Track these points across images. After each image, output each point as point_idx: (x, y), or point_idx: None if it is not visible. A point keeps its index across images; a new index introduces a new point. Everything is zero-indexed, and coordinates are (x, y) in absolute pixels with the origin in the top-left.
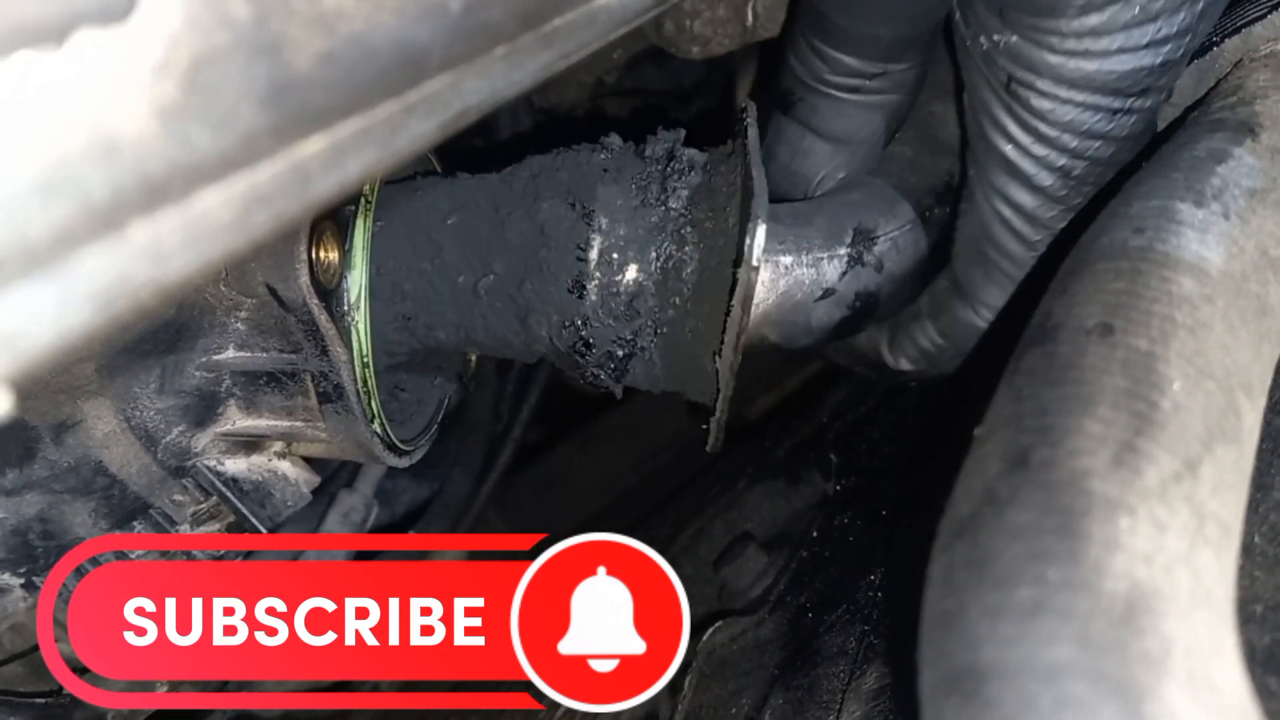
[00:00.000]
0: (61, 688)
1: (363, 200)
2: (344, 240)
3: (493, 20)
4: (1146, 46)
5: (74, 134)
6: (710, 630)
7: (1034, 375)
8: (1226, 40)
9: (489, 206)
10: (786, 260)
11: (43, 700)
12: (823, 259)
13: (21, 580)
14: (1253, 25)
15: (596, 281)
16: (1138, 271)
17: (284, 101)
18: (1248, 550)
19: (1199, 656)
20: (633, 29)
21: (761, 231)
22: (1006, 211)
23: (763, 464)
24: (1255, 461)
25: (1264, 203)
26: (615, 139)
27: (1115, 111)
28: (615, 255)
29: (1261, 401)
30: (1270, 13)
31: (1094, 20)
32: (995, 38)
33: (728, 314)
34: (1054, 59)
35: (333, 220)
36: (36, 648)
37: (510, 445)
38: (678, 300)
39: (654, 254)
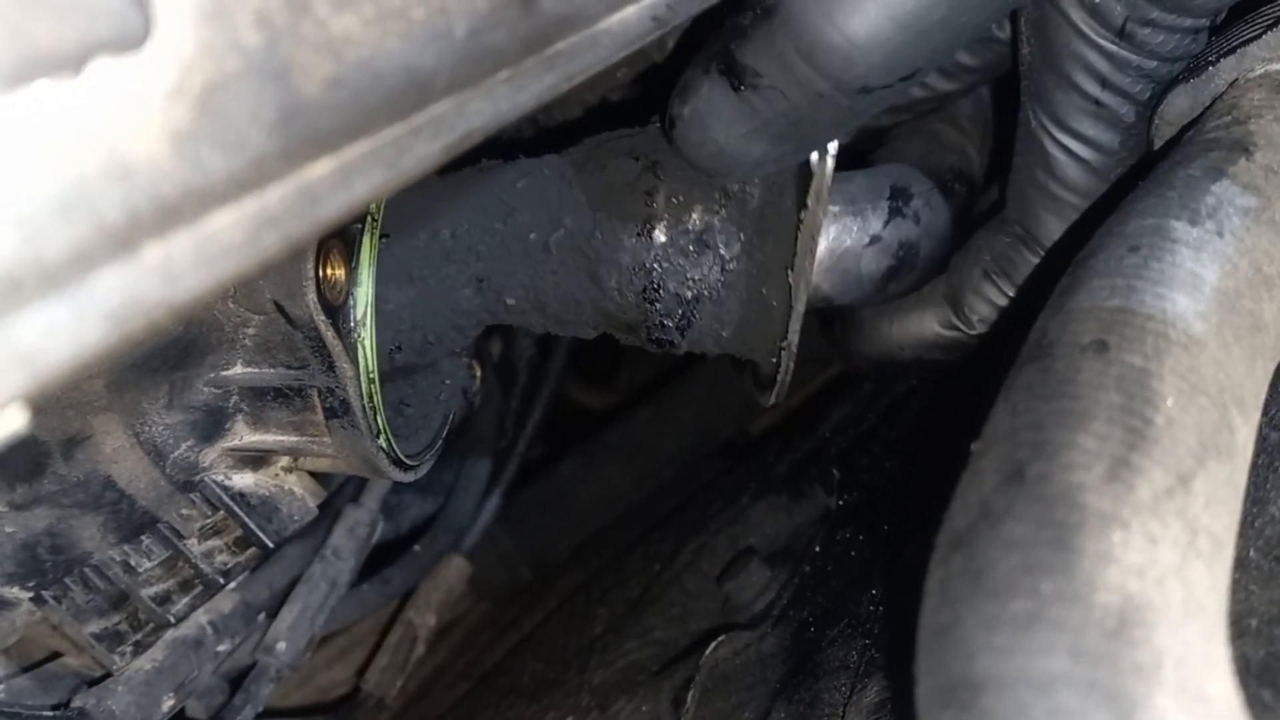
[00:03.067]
0: (69, 700)
1: (369, 219)
2: (350, 258)
3: (497, 44)
4: None
5: (90, 157)
6: (713, 644)
7: (1030, 391)
8: (1222, 60)
9: (555, 173)
10: (835, 207)
11: (50, 713)
12: (866, 208)
13: (30, 594)
14: (1248, 45)
15: (665, 222)
16: (1132, 289)
17: (293, 125)
18: (1242, 564)
19: (1190, 667)
20: (635, 50)
21: (833, 148)
22: (1077, 147)
23: (765, 479)
24: (1250, 476)
25: (1258, 221)
26: None
27: (1197, 32)
28: (680, 197)
29: (1255, 417)
30: (1265, 32)
31: None
32: None
33: (796, 239)
34: None
35: (339, 238)
36: (44, 661)
37: (515, 461)
38: (743, 236)
39: (717, 194)
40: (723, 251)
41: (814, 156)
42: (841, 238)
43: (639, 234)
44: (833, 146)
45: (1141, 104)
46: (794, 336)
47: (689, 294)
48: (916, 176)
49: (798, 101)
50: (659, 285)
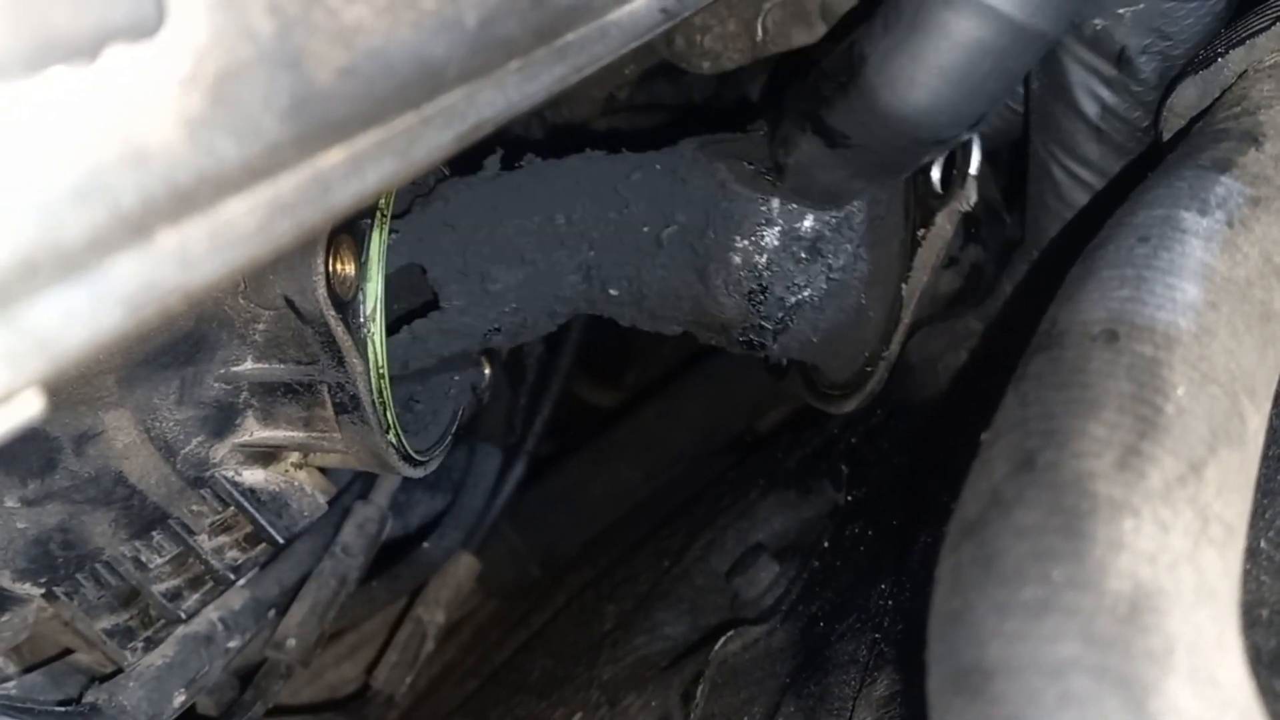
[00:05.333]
0: (80, 696)
1: (378, 214)
2: (360, 253)
3: (508, 34)
4: None
5: (105, 144)
6: (723, 640)
7: (1040, 380)
8: (1231, 51)
9: (667, 169)
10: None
11: (62, 709)
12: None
13: (42, 590)
14: (1257, 36)
15: (779, 227)
16: (1142, 279)
17: (305, 114)
18: (1254, 555)
19: (1202, 653)
20: (644, 44)
21: (976, 161)
22: (1082, 171)
23: (774, 475)
24: (1262, 467)
25: (1267, 210)
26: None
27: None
28: (794, 205)
29: (1266, 406)
30: (1275, 24)
31: None
32: None
33: (912, 251)
34: None
35: (349, 234)
36: (56, 657)
37: (524, 458)
38: (849, 248)
39: (828, 206)
40: (830, 260)
41: (935, 173)
42: (926, 259)
43: (752, 237)
44: (974, 162)
45: (1140, 129)
46: (896, 347)
47: (792, 299)
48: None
49: (884, 153)
50: (766, 288)
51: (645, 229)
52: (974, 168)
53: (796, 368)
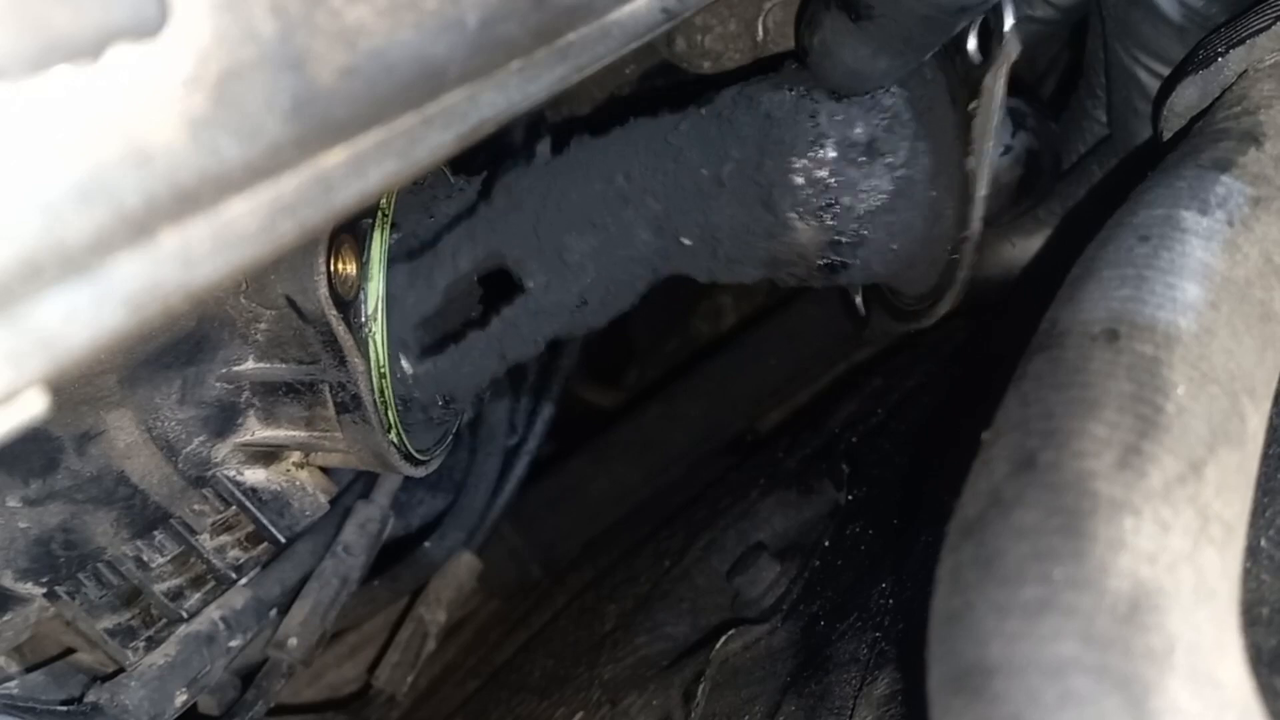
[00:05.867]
0: (82, 696)
1: (379, 214)
2: (361, 254)
3: (509, 35)
4: None
5: (109, 144)
6: (723, 639)
7: (1040, 380)
8: (1231, 51)
9: (711, 114)
10: None
11: (64, 708)
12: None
13: (43, 590)
14: (1257, 36)
15: (832, 139)
16: (1142, 278)
17: (307, 114)
18: (1254, 554)
19: (1202, 652)
20: (644, 44)
21: (1010, 17)
22: (1166, 70)
23: (775, 475)
24: (1262, 467)
25: (1268, 210)
26: None
27: None
28: (842, 115)
29: (1266, 406)
30: (1275, 24)
31: None
32: None
33: (968, 131)
34: None
35: (350, 234)
36: (57, 656)
37: (525, 458)
38: (905, 144)
39: (875, 110)
40: (890, 159)
41: (972, 42)
42: None
43: (809, 154)
44: (1009, 17)
45: (1219, 23)
46: (976, 225)
47: (862, 206)
48: (1018, 98)
49: (907, 24)
50: (834, 200)
51: (704, 171)
52: (1009, 23)
53: (877, 302)
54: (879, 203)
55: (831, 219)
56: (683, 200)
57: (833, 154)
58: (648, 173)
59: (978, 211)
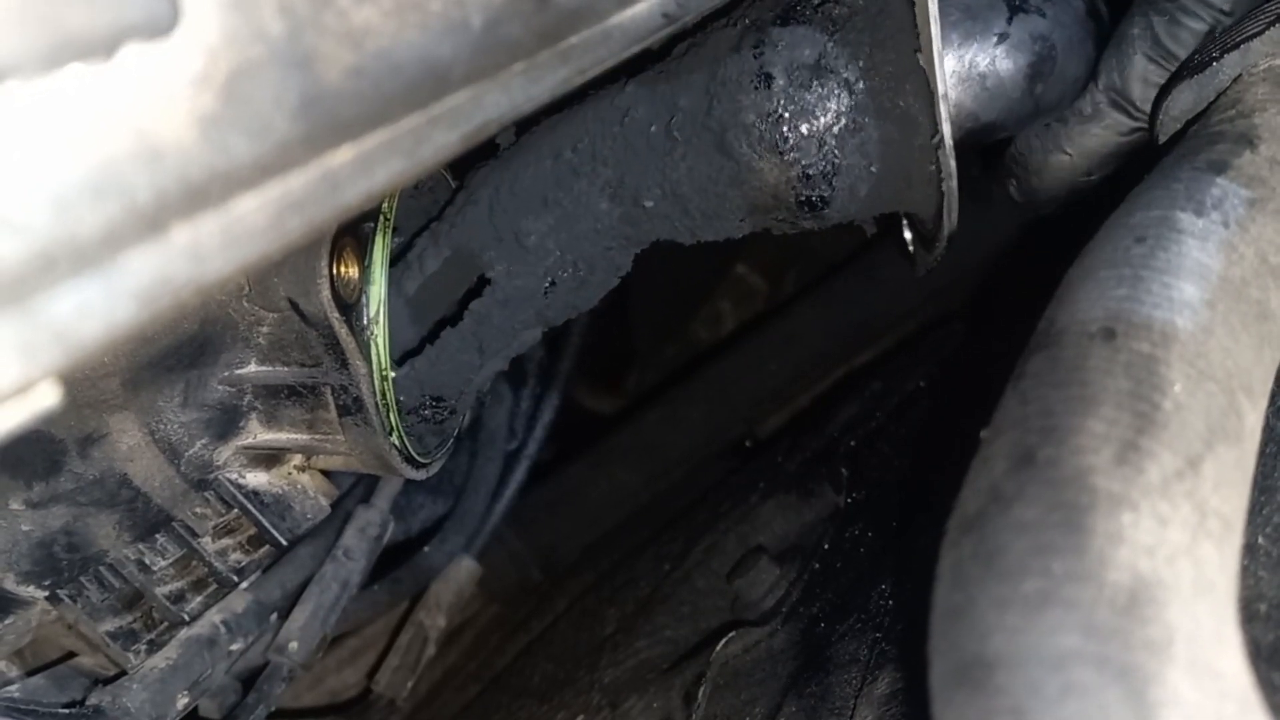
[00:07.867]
0: (83, 699)
1: (381, 217)
2: (363, 256)
3: (512, 37)
4: None
5: (120, 140)
6: (724, 641)
7: (1039, 378)
8: (1226, 55)
9: (656, 71)
10: (951, 15)
11: (65, 711)
12: (984, 9)
13: (46, 593)
14: (1251, 41)
15: (779, 66)
16: (1139, 278)
17: (315, 113)
18: (1252, 550)
19: (1201, 644)
20: (644, 48)
21: None
22: None
23: (774, 478)
24: (1258, 464)
25: (1263, 211)
26: None
27: None
28: (786, 39)
29: (1263, 404)
30: (1269, 28)
31: None
32: None
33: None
34: None
35: (353, 237)
36: (59, 660)
37: (525, 462)
38: (859, 54)
39: (824, 25)
40: (845, 74)
41: None
42: (967, 43)
43: (755, 87)
44: None
45: None
46: (946, 126)
47: (824, 131)
48: None
49: None
50: (790, 131)
51: (653, 128)
52: None
53: (914, 231)
54: (842, 124)
55: (794, 152)
56: (635, 162)
57: (781, 81)
58: (596, 140)
59: (942, 110)
